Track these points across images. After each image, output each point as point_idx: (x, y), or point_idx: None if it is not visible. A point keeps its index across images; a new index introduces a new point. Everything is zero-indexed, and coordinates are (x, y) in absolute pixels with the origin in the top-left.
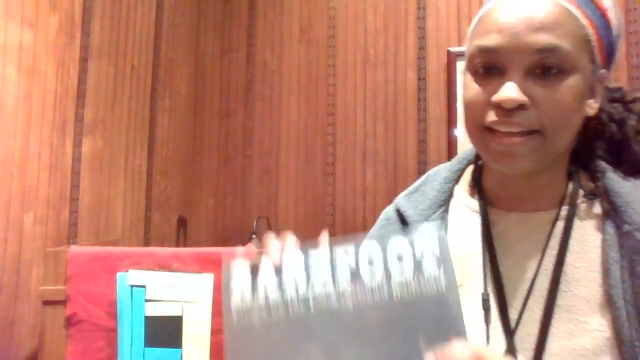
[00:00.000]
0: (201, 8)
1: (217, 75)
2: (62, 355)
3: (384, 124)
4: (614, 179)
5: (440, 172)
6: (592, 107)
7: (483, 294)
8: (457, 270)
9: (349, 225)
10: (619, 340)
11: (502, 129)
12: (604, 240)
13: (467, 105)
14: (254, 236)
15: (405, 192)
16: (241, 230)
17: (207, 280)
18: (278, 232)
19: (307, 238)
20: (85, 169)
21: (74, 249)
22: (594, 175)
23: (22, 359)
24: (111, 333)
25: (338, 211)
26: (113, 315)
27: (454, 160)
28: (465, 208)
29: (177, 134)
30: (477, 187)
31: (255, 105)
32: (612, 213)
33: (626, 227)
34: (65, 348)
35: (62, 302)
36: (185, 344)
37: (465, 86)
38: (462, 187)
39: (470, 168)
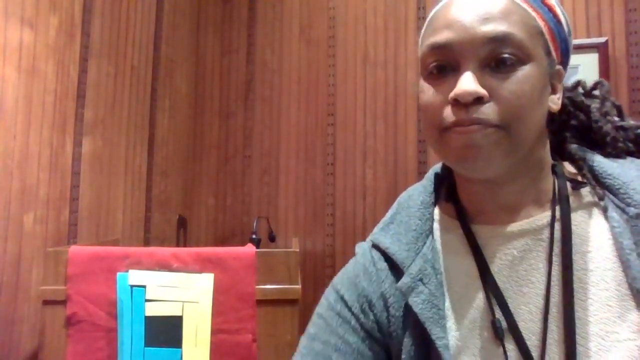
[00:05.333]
0: (201, 8)
1: (217, 75)
2: (62, 355)
3: (384, 123)
4: (600, 161)
5: (413, 196)
6: (555, 102)
7: (494, 322)
8: (459, 306)
9: (349, 225)
10: None
11: (462, 125)
12: (612, 230)
13: (425, 109)
14: (253, 236)
15: (380, 225)
16: (241, 230)
17: (207, 280)
18: (278, 232)
19: (307, 238)
20: (85, 169)
21: (74, 248)
22: (576, 162)
23: (22, 359)
24: (111, 333)
25: (338, 211)
26: (113, 315)
27: (426, 182)
28: (448, 232)
29: (177, 134)
30: (455, 204)
31: (255, 105)
32: (611, 197)
33: (632, 210)
34: (66, 348)
35: (62, 302)
36: (185, 344)
37: (421, 90)
38: (441, 209)
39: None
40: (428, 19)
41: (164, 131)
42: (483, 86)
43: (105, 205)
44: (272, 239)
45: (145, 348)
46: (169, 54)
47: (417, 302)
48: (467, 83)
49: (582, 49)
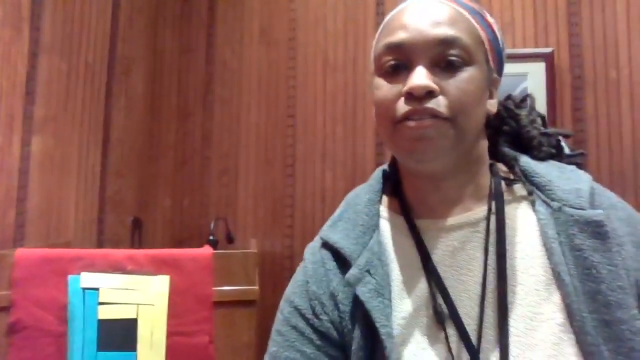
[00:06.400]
0: (159, 5)
1: (175, 75)
2: None
3: (343, 126)
4: (529, 162)
5: (360, 195)
6: (492, 105)
7: (435, 308)
8: (404, 296)
9: (308, 226)
10: (571, 316)
11: (415, 117)
12: (539, 221)
13: (379, 104)
14: (211, 237)
15: (328, 223)
16: (199, 232)
17: (162, 282)
18: (237, 233)
19: (266, 239)
20: (34, 169)
21: (20, 251)
22: (507, 162)
23: None
24: (61, 338)
25: (297, 212)
26: (63, 320)
27: (373, 181)
28: (394, 227)
29: (133, 134)
30: (400, 200)
31: (214, 106)
32: (538, 193)
33: (555, 204)
34: (6, 357)
35: (5, 309)
36: (140, 347)
37: (376, 87)
38: (386, 206)
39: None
40: (384, 22)
41: (119, 130)
42: (434, 82)
43: (56, 206)
44: (230, 240)
45: (98, 352)
46: (126, 51)
47: (364, 292)
48: (420, 78)
49: (530, 57)
